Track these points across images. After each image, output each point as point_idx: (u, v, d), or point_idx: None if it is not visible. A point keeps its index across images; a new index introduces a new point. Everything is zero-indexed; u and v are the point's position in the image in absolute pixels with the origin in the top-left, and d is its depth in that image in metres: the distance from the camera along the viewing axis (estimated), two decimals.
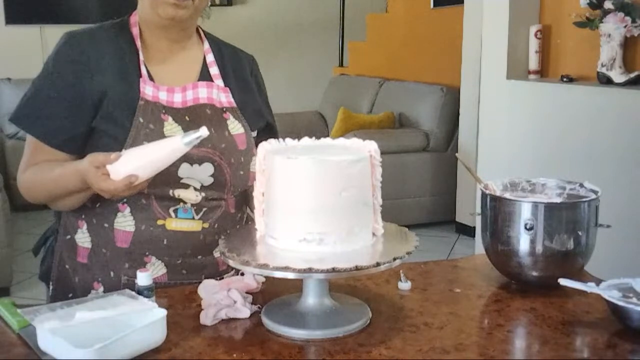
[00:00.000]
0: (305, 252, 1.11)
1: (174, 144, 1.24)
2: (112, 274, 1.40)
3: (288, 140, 1.24)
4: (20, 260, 3.96)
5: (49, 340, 1.03)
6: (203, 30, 1.55)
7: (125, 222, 1.39)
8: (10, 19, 5.94)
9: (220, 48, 1.55)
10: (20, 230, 4.53)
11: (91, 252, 1.42)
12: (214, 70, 1.50)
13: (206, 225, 1.42)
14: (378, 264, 1.08)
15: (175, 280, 1.41)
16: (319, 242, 1.11)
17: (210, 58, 1.51)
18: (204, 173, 1.40)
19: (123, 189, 1.24)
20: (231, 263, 1.12)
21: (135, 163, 1.24)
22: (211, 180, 1.41)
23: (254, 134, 1.53)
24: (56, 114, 1.38)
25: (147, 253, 1.39)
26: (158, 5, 1.38)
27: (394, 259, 1.10)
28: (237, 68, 1.56)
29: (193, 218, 1.40)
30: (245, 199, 1.53)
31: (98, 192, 1.28)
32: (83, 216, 1.43)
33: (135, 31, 1.45)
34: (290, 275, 1.06)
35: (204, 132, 1.22)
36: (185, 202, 1.39)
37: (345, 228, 1.13)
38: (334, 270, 1.05)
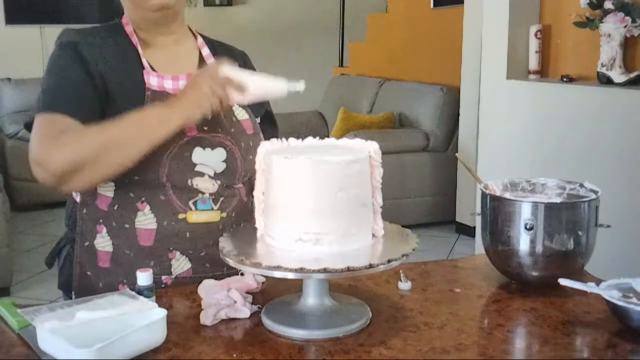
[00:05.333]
0: (300, 252, 1.11)
1: (278, 84, 1.33)
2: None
3: (291, 140, 1.24)
4: (20, 260, 3.97)
5: (49, 340, 1.03)
6: (193, 30, 1.57)
7: (146, 220, 1.39)
8: (10, 19, 5.95)
9: (213, 44, 1.58)
10: (20, 230, 4.52)
11: (113, 255, 1.41)
12: (211, 62, 1.51)
13: (224, 214, 1.43)
14: (371, 266, 1.07)
15: (199, 274, 1.41)
16: (315, 242, 1.11)
17: (205, 51, 1.54)
18: (216, 158, 1.41)
19: (221, 88, 1.28)
20: (228, 261, 1.13)
21: (245, 77, 1.32)
22: (224, 166, 1.42)
23: (257, 120, 1.55)
24: (78, 89, 1.35)
25: (171, 248, 1.40)
26: (142, 1, 1.39)
27: (389, 261, 1.09)
28: (232, 61, 1.57)
29: (212, 208, 1.41)
30: (252, 188, 1.54)
31: (203, 96, 1.28)
32: (101, 221, 1.42)
33: (129, 29, 1.46)
34: (278, 274, 1.06)
35: (301, 86, 1.31)
36: (203, 193, 1.40)
37: (342, 229, 1.12)
38: (325, 270, 1.05)
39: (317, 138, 1.26)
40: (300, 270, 1.05)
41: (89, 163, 1.25)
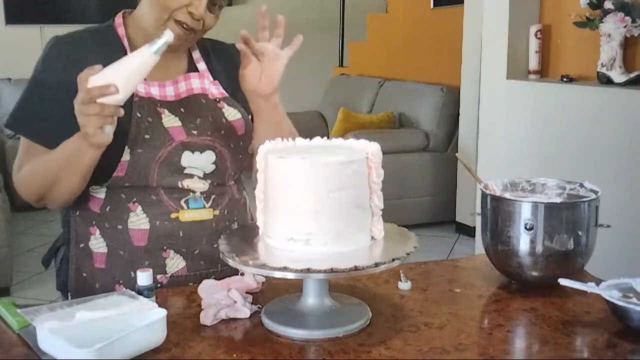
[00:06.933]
0: (293, 251, 1.11)
1: (142, 54, 1.22)
2: (132, 274, 1.39)
3: (298, 139, 1.24)
4: (20, 260, 3.96)
5: (49, 340, 1.03)
6: None
7: (139, 220, 1.39)
8: (10, 19, 5.95)
9: (204, 43, 1.56)
10: (20, 230, 4.53)
11: (108, 256, 1.42)
12: (201, 65, 1.51)
13: (217, 212, 1.43)
14: (356, 268, 1.06)
15: (194, 271, 1.42)
16: (306, 243, 1.11)
17: (196, 55, 1.52)
18: (205, 161, 1.42)
19: (91, 106, 1.18)
20: (226, 260, 1.13)
21: (110, 76, 1.19)
22: (213, 167, 1.43)
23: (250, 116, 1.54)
24: (52, 114, 1.37)
25: (164, 248, 1.40)
26: (166, 26, 1.35)
27: (376, 265, 1.07)
28: (223, 60, 1.56)
29: (204, 207, 1.42)
30: (242, 183, 1.55)
31: (83, 123, 1.21)
32: (93, 222, 1.42)
33: (121, 31, 1.45)
34: (265, 273, 1.07)
35: (168, 36, 1.21)
36: (194, 192, 1.41)
37: (334, 230, 1.12)
38: (308, 270, 1.04)
39: (325, 138, 1.25)
40: (284, 269, 1.05)
41: (45, 193, 1.37)
